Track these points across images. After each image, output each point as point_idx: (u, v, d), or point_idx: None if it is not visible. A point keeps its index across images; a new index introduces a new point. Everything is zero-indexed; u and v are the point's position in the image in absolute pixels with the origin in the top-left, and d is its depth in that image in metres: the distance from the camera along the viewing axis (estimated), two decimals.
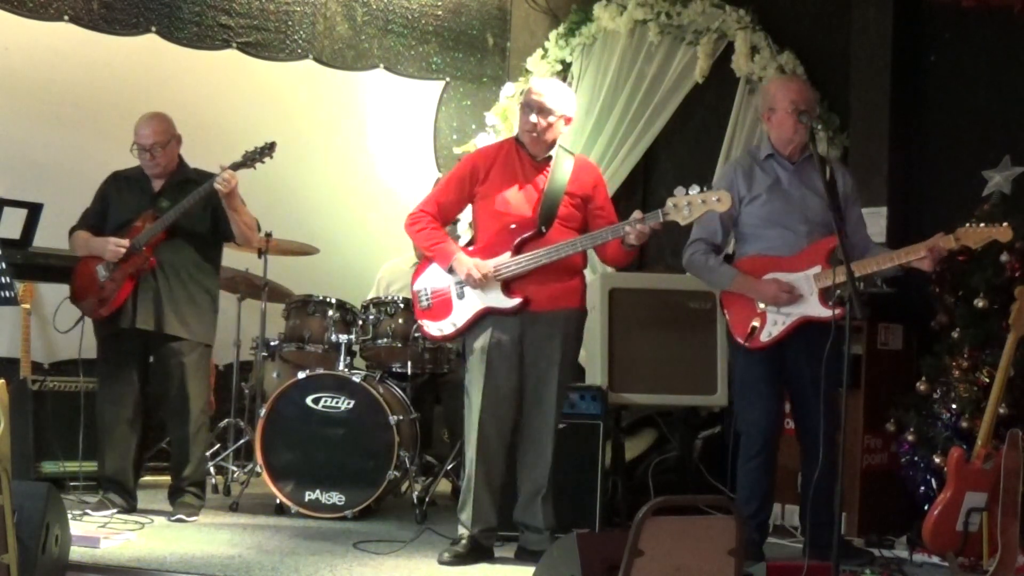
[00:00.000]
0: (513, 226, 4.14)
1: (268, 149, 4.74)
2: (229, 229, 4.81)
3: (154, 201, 4.78)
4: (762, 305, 4.17)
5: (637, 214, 4.01)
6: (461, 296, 4.20)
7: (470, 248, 4.29)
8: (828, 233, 4.09)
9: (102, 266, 4.70)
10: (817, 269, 4.09)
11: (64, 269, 5.03)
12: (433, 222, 4.26)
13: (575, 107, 4.38)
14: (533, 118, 4.16)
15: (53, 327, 5.28)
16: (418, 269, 4.38)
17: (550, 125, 4.18)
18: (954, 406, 4.62)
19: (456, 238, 5.40)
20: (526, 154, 4.24)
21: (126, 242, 4.65)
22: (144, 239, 4.66)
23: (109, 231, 4.77)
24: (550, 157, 4.23)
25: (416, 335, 5.25)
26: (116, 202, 4.84)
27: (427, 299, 4.28)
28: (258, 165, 4.75)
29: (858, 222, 4.30)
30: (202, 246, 4.84)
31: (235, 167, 4.66)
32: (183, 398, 4.78)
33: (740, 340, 4.21)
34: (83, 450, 4.95)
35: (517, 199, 4.18)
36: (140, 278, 4.68)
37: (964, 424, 4.55)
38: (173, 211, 4.64)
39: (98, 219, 4.84)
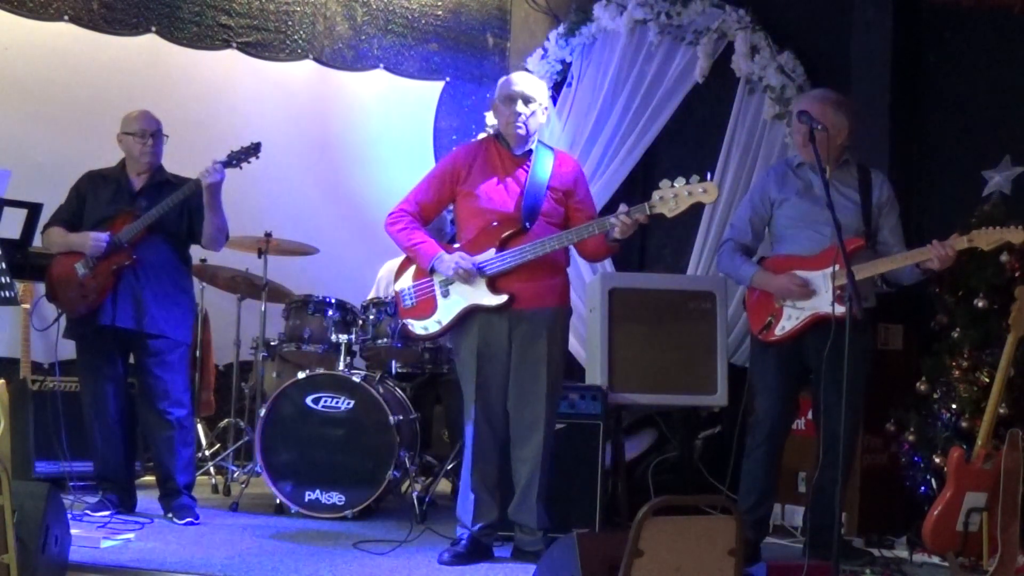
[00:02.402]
0: (495, 223, 4.13)
1: (254, 149, 4.72)
2: (200, 230, 4.77)
3: (133, 200, 4.77)
4: (780, 301, 4.23)
5: (623, 207, 4.00)
6: (446, 295, 4.19)
7: (454, 246, 4.28)
8: (853, 235, 4.14)
9: (80, 263, 4.65)
10: (835, 267, 4.09)
11: None
12: (413, 221, 4.26)
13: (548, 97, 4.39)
14: (519, 107, 4.15)
15: (32, 326, 5.28)
16: (399, 268, 4.37)
17: (533, 113, 4.20)
18: (954, 406, 4.62)
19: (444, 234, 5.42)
20: (506, 150, 4.23)
21: (106, 235, 4.61)
22: (128, 235, 4.63)
23: (86, 229, 4.73)
24: (530, 151, 4.23)
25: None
26: (92, 200, 4.80)
27: (411, 298, 4.27)
28: (244, 166, 4.72)
29: (893, 229, 4.34)
30: (178, 246, 4.83)
31: (221, 165, 4.65)
32: (166, 398, 4.73)
33: (754, 332, 4.32)
34: (69, 451, 4.94)
35: (499, 195, 4.17)
36: (120, 276, 4.65)
37: (964, 424, 4.55)
38: (157, 208, 4.61)
39: (73, 216, 4.80)
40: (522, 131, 4.18)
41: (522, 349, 4.15)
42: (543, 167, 4.20)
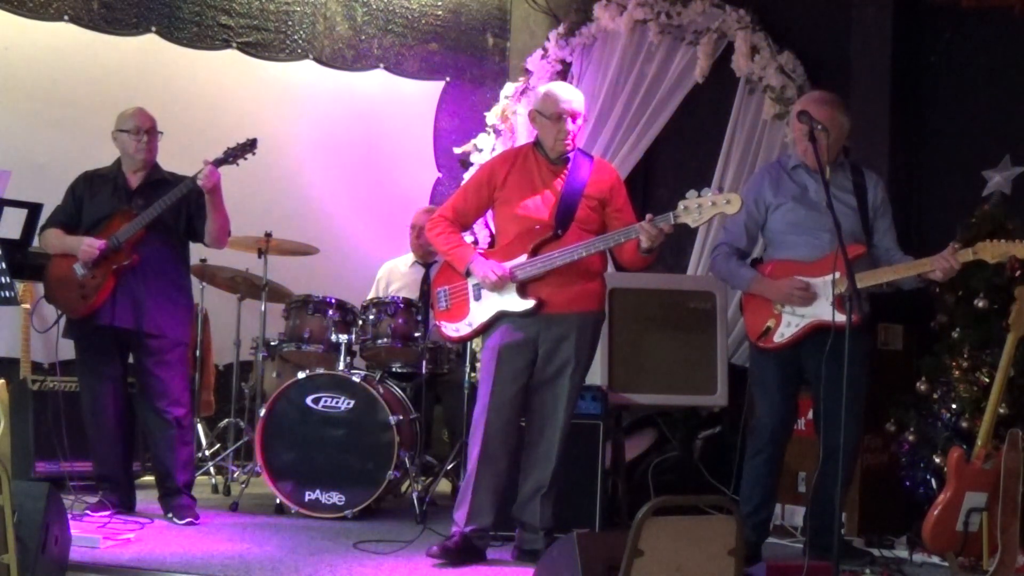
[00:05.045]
0: (530, 230, 4.15)
1: (250, 146, 4.72)
2: (202, 228, 4.77)
3: (130, 199, 4.76)
4: (779, 307, 4.20)
5: (648, 216, 4.00)
6: (478, 298, 4.22)
7: (489, 251, 4.31)
8: (853, 241, 4.11)
9: (79, 264, 4.64)
10: (836, 275, 4.07)
11: None
12: (451, 227, 4.29)
13: None
14: (568, 125, 4.17)
15: (33, 327, 5.28)
16: (439, 271, 4.43)
17: (580, 128, 4.25)
18: (954, 406, 4.62)
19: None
20: (543, 158, 4.24)
21: (101, 243, 4.61)
22: (125, 235, 4.62)
23: (83, 229, 4.73)
24: (567, 159, 4.24)
25: (417, 335, 5.27)
26: (89, 201, 4.79)
27: (446, 300, 4.30)
28: (240, 162, 4.72)
29: (887, 231, 4.32)
30: (176, 244, 4.83)
31: (216, 163, 4.64)
32: (164, 397, 4.72)
33: (753, 339, 4.27)
34: (68, 451, 4.94)
35: (535, 203, 4.19)
36: (119, 275, 4.65)
37: (964, 424, 4.55)
38: (154, 207, 4.60)
39: (70, 217, 4.79)
40: (570, 147, 4.22)
41: (548, 352, 4.16)
42: (580, 175, 4.21)
